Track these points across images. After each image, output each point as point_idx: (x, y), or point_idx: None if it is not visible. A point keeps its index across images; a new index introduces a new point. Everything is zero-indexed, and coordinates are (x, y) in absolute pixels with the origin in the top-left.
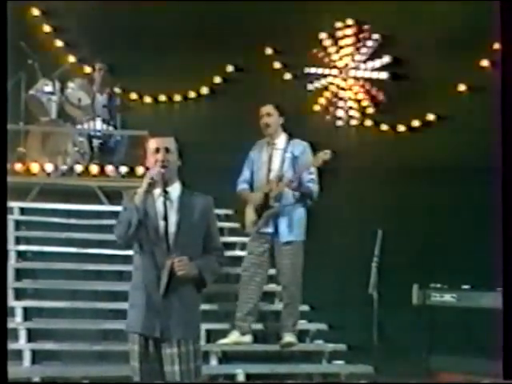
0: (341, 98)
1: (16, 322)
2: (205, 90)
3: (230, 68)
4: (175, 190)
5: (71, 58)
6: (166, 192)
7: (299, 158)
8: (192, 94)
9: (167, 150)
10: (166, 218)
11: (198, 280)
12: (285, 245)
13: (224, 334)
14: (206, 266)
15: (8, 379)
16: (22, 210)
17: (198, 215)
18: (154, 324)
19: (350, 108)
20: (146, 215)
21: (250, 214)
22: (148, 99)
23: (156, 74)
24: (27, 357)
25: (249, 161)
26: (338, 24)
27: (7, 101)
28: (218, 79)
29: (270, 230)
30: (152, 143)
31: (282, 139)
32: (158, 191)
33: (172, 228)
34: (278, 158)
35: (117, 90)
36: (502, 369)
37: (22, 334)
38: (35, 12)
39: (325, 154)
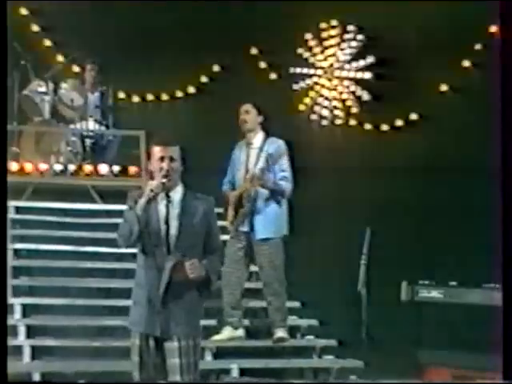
0: (326, 98)
1: (15, 318)
2: (192, 90)
3: (216, 68)
4: (177, 193)
5: (62, 58)
6: (168, 196)
7: (272, 155)
8: (179, 94)
9: (171, 158)
10: (167, 222)
11: (204, 281)
12: (262, 242)
13: (217, 330)
14: (211, 267)
15: (8, 378)
16: (17, 209)
17: (200, 217)
18: (154, 323)
19: (335, 107)
20: (148, 219)
21: (229, 213)
22: (136, 98)
23: (143, 73)
24: (27, 352)
25: (231, 161)
26: (323, 25)
27: (7, 101)
28: (204, 79)
29: (245, 228)
30: (157, 152)
31: (258, 138)
32: (161, 195)
33: (173, 231)
34: (254, 158)
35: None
36: (502, 369)
37: (22, 331)
38: (23, 11)
39: None
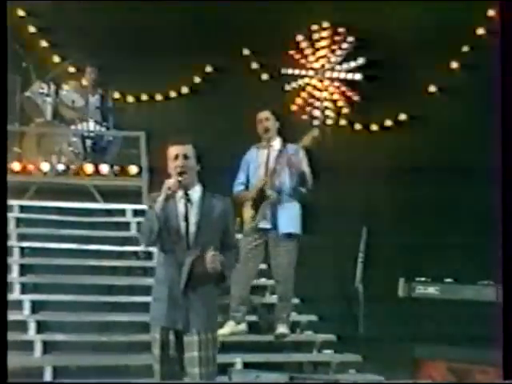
0: (317, 99)
1: (25, 314)
2: (185, 90)
3: (208, 68)
4: (196, 192)
5: (60, 60)
6: (186, 195)
7: (293, 155)
8: (173, 94)
9: (185, 156)
10: (186, 219)
11: (219, 276)
12: (283, 238)
13: (221, 324)
14: (227, 264)
15: (8, 378)
16: (22, 208)
17: (217, 216)
18: (175, 317)
19: (326, 108)
20: (168, 217)
21: (247, 211)
22: (130, 98)
23: (137, 73)
24: (38, 347)
25: (244, 164)
26: (314, 26)
27: (7, 102)
28: (197, 79)
29: (267, 226)
30: (172, 150)
31: (277, 142)
32: (180, 194)
33: (192, 228)
34: (275, 158)
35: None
36: (502, 369)
37: (32, 326)
38: (20, 13)
39: (314, 131)
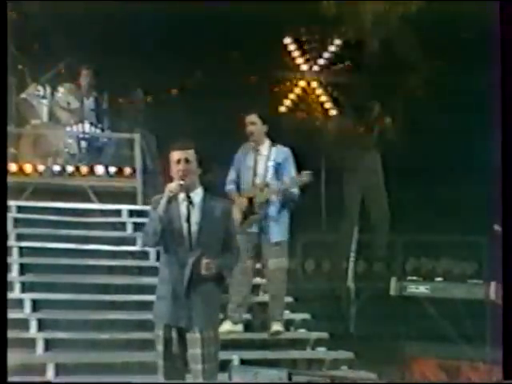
0: (305, 101)
1: (25, 313)
2: (175, 92)
3: (198, 70)
4: (197, 195)
5: (57, 62)
6: (188, 197)
7: (282, 165)
8: (162, 96)
9: (187, 160)
10: (188, 221)
11: (218, 277)
12: (274, 244)
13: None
14: (226, 265)
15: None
16: (19, 209)
17: (218, 217)
18: (178, 315)
19: (314, 110)
20: (171, 218)
21: (236, 215)
22: (120, 99)
23: (127, 75)
24: (40, 345)
25: (235, 162)
26: (302, 29)
27: (7, 103)
28: (187, 81)
29: (255, 230)
30: (174, 155)
31: (265, 146)
32: (182, 196)
33: (194, 229)
34: (263, 165)
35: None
36: (502, 369)
37: (33, 324)
38: (14, 15)
39: (306, 176)
